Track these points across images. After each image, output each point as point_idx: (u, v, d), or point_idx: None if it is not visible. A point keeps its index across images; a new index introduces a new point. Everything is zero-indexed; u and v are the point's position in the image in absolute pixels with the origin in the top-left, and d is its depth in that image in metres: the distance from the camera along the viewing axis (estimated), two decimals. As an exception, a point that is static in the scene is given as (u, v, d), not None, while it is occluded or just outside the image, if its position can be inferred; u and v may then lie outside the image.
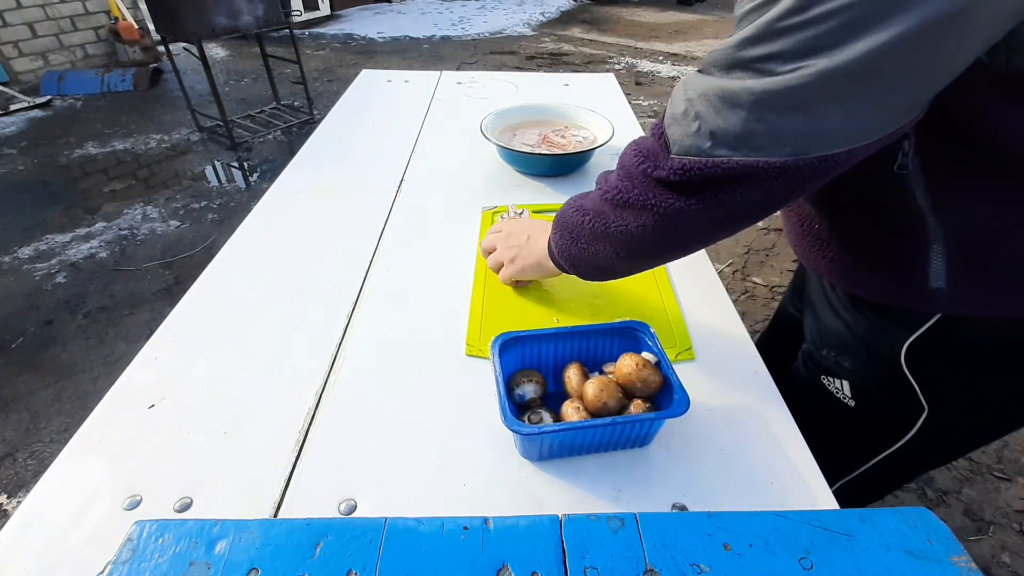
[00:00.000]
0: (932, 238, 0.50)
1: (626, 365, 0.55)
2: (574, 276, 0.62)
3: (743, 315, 1.18)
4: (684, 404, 0.50)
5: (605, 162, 1.09)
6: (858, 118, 0.37)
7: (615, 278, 0.62)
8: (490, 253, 0.74)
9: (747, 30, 0.38)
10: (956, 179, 0.46)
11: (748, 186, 0.41)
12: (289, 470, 0.52)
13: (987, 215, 0.47)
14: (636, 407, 0.54)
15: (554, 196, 0.98)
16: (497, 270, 0.73)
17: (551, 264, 0.64)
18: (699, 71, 0.43)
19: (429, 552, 0.38)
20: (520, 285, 0.75)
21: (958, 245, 0.49)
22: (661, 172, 0.44)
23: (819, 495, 0.51)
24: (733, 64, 0.39)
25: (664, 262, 0.57)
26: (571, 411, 0.54)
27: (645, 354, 0.56)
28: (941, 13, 0.32)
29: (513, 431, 0.49)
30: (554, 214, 0.93)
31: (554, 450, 0.53)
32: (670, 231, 0.47)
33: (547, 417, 0.55)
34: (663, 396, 0.55)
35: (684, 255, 0.54)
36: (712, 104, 0.40)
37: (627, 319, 0.62)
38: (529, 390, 0.57)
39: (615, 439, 0.53)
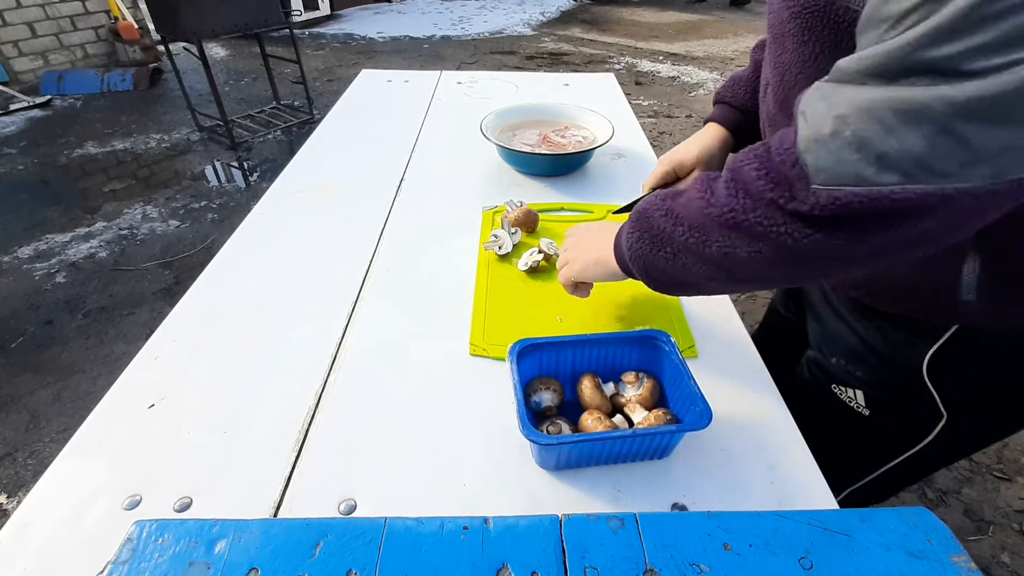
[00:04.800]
0: (968, 250, 0.48)
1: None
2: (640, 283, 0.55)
3: (743, 315, 1.18)
4: (706, 417, 0.49)
5: (605, 162, 1.09)
6: None
7: (693, 295, 0.54)
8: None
9: (928, 24, 0.30)
10: None
11: (920, 219, 0.33)
12: (289, 470, 0.52)
13: None
14: (656, 418, 0.53)
15: (554, 196, 0.98)
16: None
17: (614, 263, 0.56)
18: (840, 81, 0.35)
19: (429, 552, 0.38)
20: (579, 294, 0.66)
21: (993, 257, 0.47)
22: (801, 206, 0.37)
23: (819, 495, 0.51)
24: (907, 69, 0.31)
25: (759, 290, 0.49)
26: (591, 422, 0.53)
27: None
28: None
29: (531, 441, 0.48)
30: (554, 213, 0.92)
31: (571, 460, 0.52)
32: (794, 263, 0.40)
33: (565, 427, 0.54)
34: (683, 406, 0.54)
35: (796, 286, 0.46)
36: (881, 120, 0.32)
37: (647, 327, 0.61)
38: (546, 398, 0.57)
39: (633, 451, 0.52)
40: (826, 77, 0.37)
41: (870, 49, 0.33)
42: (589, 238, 0.63)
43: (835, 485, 0.51)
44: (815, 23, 0.43)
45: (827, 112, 0.35)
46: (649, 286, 0.54)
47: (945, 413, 0.58)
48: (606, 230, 0.60)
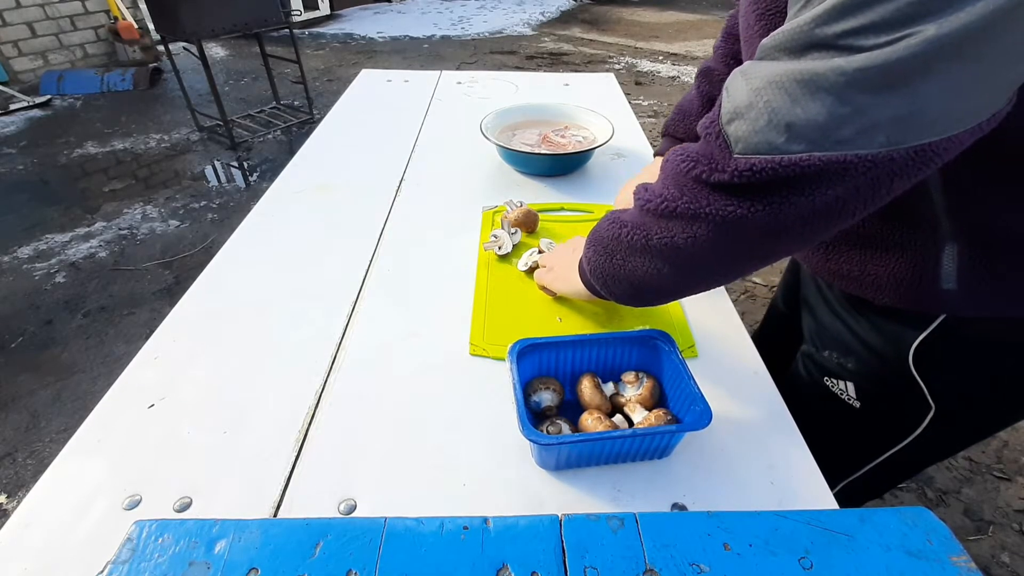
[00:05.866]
0: (946, 240, 0.49)
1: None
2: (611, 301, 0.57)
3: (743, 315, 1.18)
4: (707, 417, 0.49)
5: (605, 162, 1.09)
6: (962, 96, 0.32)
7: (654, 303, 0.56)
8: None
9: (825, 4, 0.33)
10: (974, 177, 0.45)
11: (827, 186, 0.36)
12: (289, 470, 0.52)
13: (1003, 214, 0.46)
14: (656, 418, 0.53)
15: (554, 196, 0.98)
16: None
17: (580, 283, 0.60)
18: (759, 59, 0.38)
19: (429, 552, 0.38)
20: (549, 293, 0.73)
21: (971, 247, 0.48)
22: (721, 176, 0.39)
23: (819, 495, 0.51)
24: (810, 44, 0.34)
25: (717, 284, 0.51)
26: (591, 421, 0.53)
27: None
28: None
29: (531, 441, 0.48)
30: (554, 213, 0.93)
31: (572, 460, 0.52)
32: (728, 242, 0.42)
33: (565, 427, 0.54)
34: (683, 406, 0.54)
35: (739, 275, 0.48)
36: (787, 91, 0.35)
37: (647, 327, 0.60)
38: (546, 397, 0.57)
39: (633, 451, 0.52)
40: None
41: (783, 26, 0.36)
42: (565, 253, 0.67)
43: (829, 478, 0.52)
44: (778, 22, 0.45)
45: (745, 86, 0.38)
46: (613, 299, 0.56)
47: (933, 405, 0.59)
48: (579, 252, 0.62)
